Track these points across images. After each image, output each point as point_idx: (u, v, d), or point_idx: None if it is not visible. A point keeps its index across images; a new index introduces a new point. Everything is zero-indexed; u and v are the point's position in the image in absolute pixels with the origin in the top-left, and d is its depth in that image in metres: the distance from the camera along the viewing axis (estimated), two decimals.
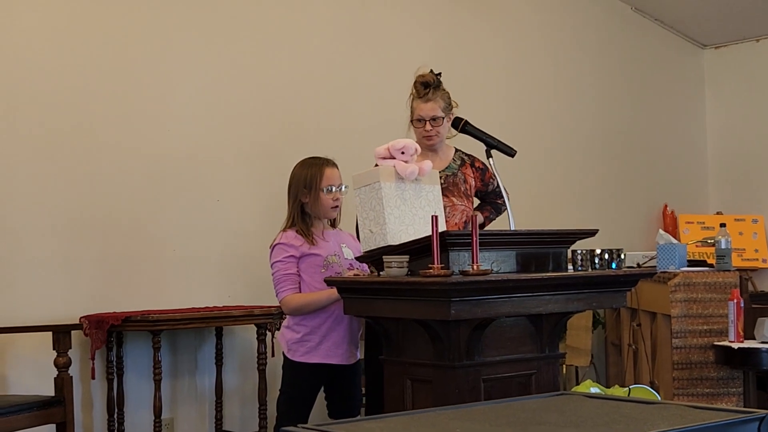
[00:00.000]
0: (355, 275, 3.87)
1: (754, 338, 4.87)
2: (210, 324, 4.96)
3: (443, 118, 4.31)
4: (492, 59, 6.65)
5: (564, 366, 6.03)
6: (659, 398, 4.60)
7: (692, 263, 5.34)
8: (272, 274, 4.04)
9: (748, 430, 2.35)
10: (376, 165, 3.75)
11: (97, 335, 4.64)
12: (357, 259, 3.90)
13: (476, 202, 4.54)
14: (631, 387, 4.44)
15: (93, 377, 4.73)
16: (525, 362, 3.54)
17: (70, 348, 4.54)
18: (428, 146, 4.32)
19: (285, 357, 4.06)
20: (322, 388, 4.13)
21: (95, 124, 4.98)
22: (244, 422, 5.34)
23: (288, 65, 5.65)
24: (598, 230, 3.75)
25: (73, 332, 4.59)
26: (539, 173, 6.73)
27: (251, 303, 5.23)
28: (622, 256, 3.66)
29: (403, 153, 3.68)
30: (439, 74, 4.34)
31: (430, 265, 3.24)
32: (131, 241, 5.05)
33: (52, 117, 4.86)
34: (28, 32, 4.83)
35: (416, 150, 3.73)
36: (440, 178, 4.10)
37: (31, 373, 4.70)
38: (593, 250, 3.61)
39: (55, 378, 4.49)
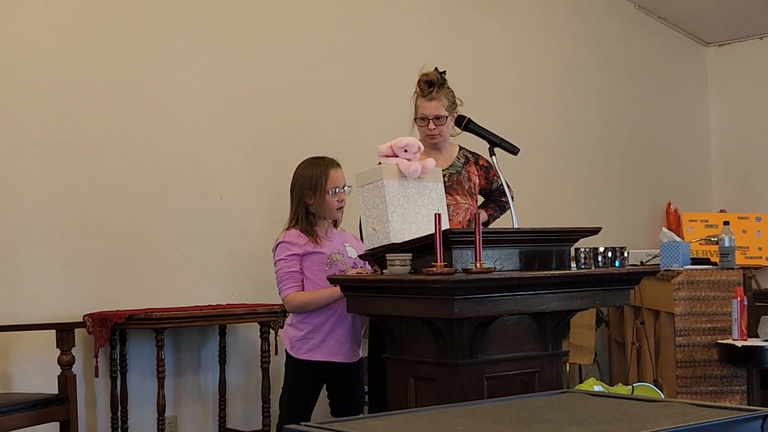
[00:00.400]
0: (358, 273, 3.87)
1: (757, 336, 4.87)
2: (213, 322, 4.97)
3: (447, 116, 4.30)
4: (496, 57, 6.65)
5: (567, 364, 6.03)
6: (662, 396, 4.60)
7: (696, 261, 5.33)
8: (275, 273, 4.05)
9: (751, 428, 2.34)
10: (379, 163, 3.75)
11: (100, 333, 4.64)
12: (360, 257, 3.90)
13: (480, 200, 4.54)
14: (634, 385, 4.44)
15: (96, 375, 4.74)
16: (528, 360, 3.54)
17: (74, 346, 4.54)
18: (432, 145, 4.32)
19: (288, 355, 4.06)
20: (325, 386, 4.13)
21: (98, 124, 4.99)
22: (247, 420, 5.34)
23: (292, 64, 5.65)
24: (601, 228, 3.74)
25: (76, 330, 4.59)
26: (542, 171, 6.73)
27: (254, 301, 5.23)
28: (626, 254, 3.66)
29: (406, 151, 3.68)
30: (444, 72, 4.33)
31: (433, 263, 3.24)
32: (135, 239, 5.05)
33: (55, 117, 4.86)
34: (32, 34, 4.83)
35: (419, 148, 3.72)
36: (444, 176, 4.09)
37: (35, 371, 4.71)
38: (596, 248, 3.60)
39: (58, 376, 4.50)
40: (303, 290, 4.00)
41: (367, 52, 5.99)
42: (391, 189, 3.60)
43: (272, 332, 5.03)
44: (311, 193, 4.02)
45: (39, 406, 4.31)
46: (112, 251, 4.98)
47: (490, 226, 4.46)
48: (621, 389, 4.29)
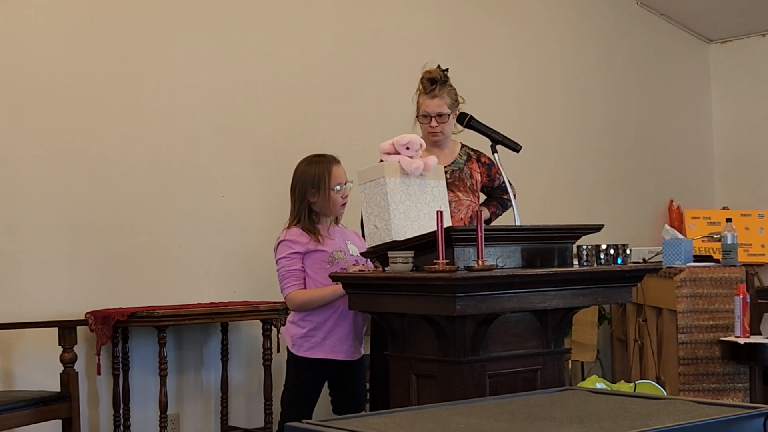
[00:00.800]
0: (360, 271, 3.87)
1: (760, 333, 4.87)
2: (215, 320, 4.97)
3: (449, 114, 4.30)
4: (498, 55, 6.64)
5: (569, 361, 6.02)
6: (665, 394, 4.60)
7: (698, 258, 5.33)
8: (277, 271, 4.05)
9: (754, 425, 2.34)
10: (381, 161, 3.75)
11: (102, 331, 4.65)
12: (362, 254, 3.89)
13: (482, 197, 4.54)
14: (636, 382, 4.44)
15: (99, 373, 4.74)
16: (530, 358, 3.54)
17: (76, 344, 4.54)
18: (434, 142, 4.31)
19: (289, 352, 4.06)
20: (327, 384, 4.13)
21: (101, 122, 4.99)
22: (249, 418, 5.34)
23: (294, 62, 5.65)
24: (603, 225, 3.74)
25: (78, 328, 4.59)
26: (545, 168, 6.72)
27: (256, 299, 5.23)
28: (628, 252, 3.65)
29: (408, 148, 3.67)
30: (446, 70, 4.33)
31: (435, 261, 3.24)
32: (137, 237, 5.05)
33: (57, 114, 4.86)
34: (35, 34, 4.83)
35: (421, 145, 3.72)
36: (446, 173, 4.09)
37: (37, 369, 4.71)
38: (599, 246, 3.60)
39: (60, 374, 4.50)
40: (305, 288, 4.00)
41: (369, 50, 5.98)
42: (393, 186, 3.60)
43: (274, 330, 5.03)
44: (315, 191, 4.02)
45: (41, 404, 4.31)
46: (114, 249, 4.98)
47: (492, 224, 4.46)
48: (623, 387, 4.29)
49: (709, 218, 7.29)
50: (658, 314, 5.43)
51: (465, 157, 4.42)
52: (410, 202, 3.64)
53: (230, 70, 5.42)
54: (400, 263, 3.41)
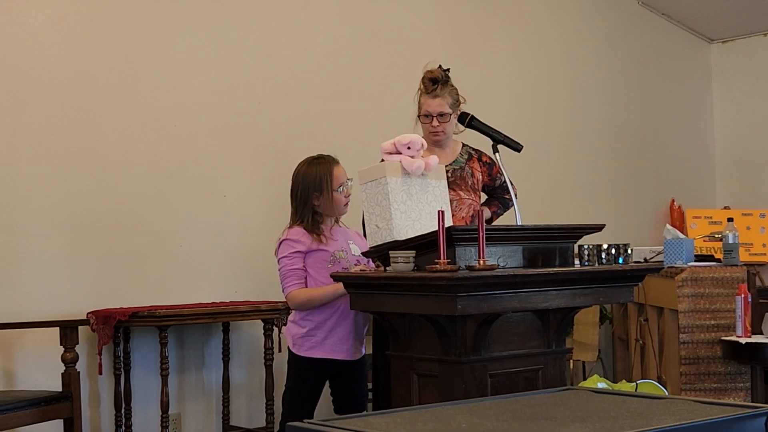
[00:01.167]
0: (361, 270, 3.87)
1: (761, 333, 4.86)
2: (217, 319, 4.97)
3: (450, 114, 4.31)
4: (499, 54, 6.64)
5: (571, 361, 6.03)
6: (666, 393, 4.60)
7: (699, 258, 5.33)
8: (279, 270, 4.05)
9: (755, 425, 2.34)
10: (382, 160, 3.75)
11: (104, 331, 4.65)
12: (363, 254, 3.90)
13: (483, 197, 4.54)
14: (638, 382, 4.44)
15: (100, 373, 4.74)
16: (532, 357, 3.54)
17: (77, 343, 4.54)
18: (435, 142, 4.32)
19: (290, 352, 4.07)
20: (328, 383, 4.13)
21: (102, 122, 4.99)
22: (251, 417, 5.35)
23: (294, 62, 5.65)
24: (604, 225, 3.74)
25: (80, 328, 4.59)
26: (546, 168, 6.72)
27: (258, 298, 5.23)
28: (629, 251, 3.65)
29: (409, 148, 3.67)
30: (448, 70, 4.34)
31: (437, 261, 3.24)
32: (138, 236, 5.06)
33: (57, 114, 4.87)
34: (35, 34, 4.83)
35: (422, 145, 3.72)
36: (447, 172, 4.09)
37: (39, 369, 4.71)
38: (600, 245, 3.60)
39: (62, 373, 4.50)
40: (306, 287, 4.00)
41: (370, 50, 5.98)
42: (395, 186, 3.60)
43: (275, 329, 5.03)
44: (318, 194, 4.02)
45: (43, 404, 4.32)
46: (115, 249, 4.98)
47: (494, 223, 4.46)
48: (625, 386, 4.29)
49: (711, 218, 7.29)
50: (659, 314, 5.43)
51: (466, 157, 4.42)
52: (411, 202, 3.64)
53: (230, 70, 5.42)
54: (402, 263, 3.41)
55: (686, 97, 7.74)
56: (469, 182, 4.37)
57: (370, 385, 4.42)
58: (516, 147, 4.30)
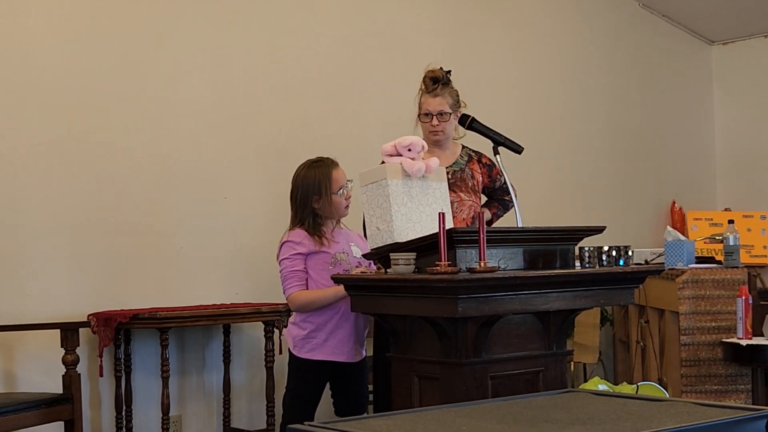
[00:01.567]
0: (362, 272, 3.87)
1: (762, 335, 4.86)
2: (218, 321, 4.97)
3: (450, 114, 4.31)
4: (500, 57, 6.64)
5: (572, 363, 6.02)
6: (667, 395, 4.60)
7: (700, 260, 5.33)
8: (280, 272, 4.05)
9: (756, 427, 2.34)
10: (383, 162, 3.75)
11: (105, 333, 4.65)
12: (364, 256, 3.90)
13: (484, 198, 4.54)
14: (639, 384, 4.44)
15: (101, 375, 4.74)
16: (532, 359, 3.53)
17: (78, 345, 4.55)
18: (434, 142, 4.32)
19: (291, 354, 4.07)
20: (328, 386, 4.13)
21: (103, 123, 4.99)
22: (251, 419, 5.35)
23: (296, 63, 5.65)
24: (605, 227, 3.74)
25: (81, 330, 4.60)
26: (547, 170, 6.72)
27: (259, 300, 5.23)
28: (630, 253, 3.65)
29: (409, 150, 3.67)
30: (449, 72, 4.34)
31: (437, 263, 3.24)
32: (139, 238, 5.06)
33: (59, 116, 4.87)
34: (38, 34, 4.83)
35: (423, 147, 3.72)
36: (447, 173, 4.09)
37: (39, 371, 4.71)
38: (601, 247, 3.60)
39: (63, 375, 4.50)
40: (307, 289, 4.00)
41: (370, 52, 5.99)
42: (395, 188, 3.60)
43: (276, 331, 5.03)
44: (318, 197, 4.02)
45: (43, 406, 4.32)
46: (116, 251, 4.98)
47: (494, 225, 4.46)
48: (625, 388, 4.29)
49: (711, 220, 7.29)
50: (660, 316, 5.43)
51: (466, 158, 4.42)
52: (412, 204, 3.64)
53: (231, 72, 5.42)
54: (402, 265, 3.41)
55: (687, 99, 7.74)
56: (470, 184, 4.37)
57: (370, 387, 4.42)
58: (517, 149, 4.30)
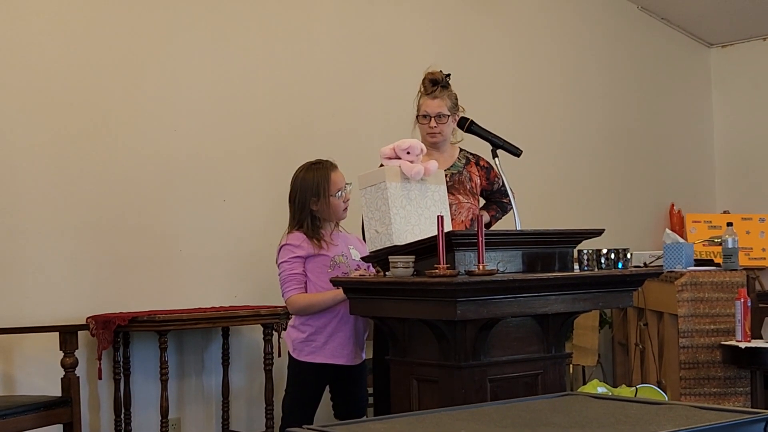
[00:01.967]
0: (361, 275, 3.87)
1: (761, 338, 4.86)
2: (217, 324, 4.97)
3: (448, 116, 4.31)
4: (499, 59, 6.64)
5: (571, 366, 6.02)
6: (666, 398, 4.60)
7: (699, 262, 5.33)
8: (279, 275, 4.05)
9: (754, 430, 2.34)
10: (382, 165, 3.75)
11: (103, 335, 4.65)
12: (363, 259, 3.90)
13: (482, 201, 4.54)
14: (638, 386, 4.44)
15: (100, 377, 4.74)
16: (531, 362, 3.54)
17: (77, 348, 4.55)
18: (431, 144, 4.32)
19: (290, 357, 4.06)
20: (328, 388, 4.13)
21: (102, 126, 4.99)
22: (250, 422, 5.34)
23: (295, 65, 5.65)
24: (604, 230, 3.74)
25: (79, 333, 4.60)
26: (546, 172, 6.72)
27: (258, 303, 5.23)
28: (629, 256, 3.65)
29: (408, 153, 3.68)
30: (449, 75, 4.34)
31: (436, 266, 3.24)
32: (138, 241, 5.06)
33: (59, 118, 4.87)
34: (38, 36, 4.84)
35: (422, 150, 3.73)
36: (446, 176, 4.09)
37: (38, 374, 4.71)
38: (599, 250, 3.60)
39: (62, 378, 4.50)
40: (306, 292, 4.00)
41: (369, 56, 5.99)
42: (394, 191, 3.60)
43: (275, 334, 5.03)
44: (316, 199, 4.02)
45: (42, 409, 4.32)
46: (115, 254, 4.98)
47: (493, 228, 4.46)
48: (624, 391, 4.29)
49: (710, 222, 7.29)
50: (659, 318, 5.43)
51: (464, 161, 4.42)
52: (411, 207, 3.64)
53: (232, 76, 5.42)
54: (401, 268, 3.41)
55: (686, 102, 7.74)
56: (468, 186, 4.37)
57: (370, 390, 4.42)
58: (515, 152, 4.30)
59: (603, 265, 3.59)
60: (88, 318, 4.72)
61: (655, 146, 7.48)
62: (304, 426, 2.32)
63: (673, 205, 7.46)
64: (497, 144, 4.26)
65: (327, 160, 4.11)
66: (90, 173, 4.94)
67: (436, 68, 4.36)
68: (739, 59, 7.77)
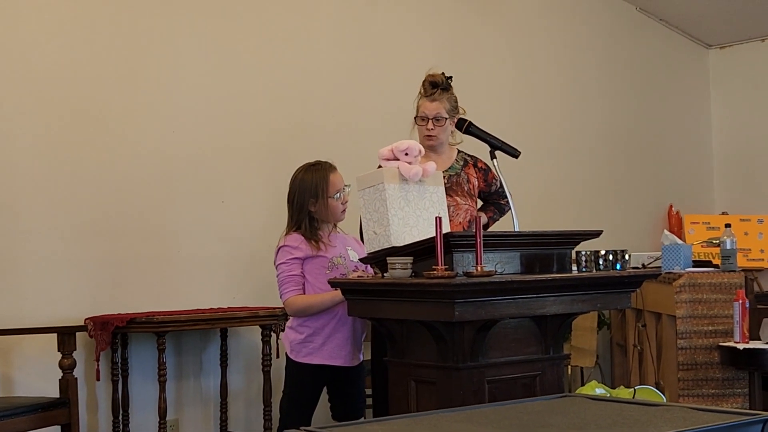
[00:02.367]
0: (359, 277, 3.87)
1: (759, 339, 4.86)
2: (215, 325, 4.97)
3: (447, 119, 4.31)
4: (498, 60, 6.65)
5: (569, 367, 6.02)
6: (664, 399, 4.60)
7: (697, 264, 5.33)
8: (277, 276, 4.05)
9: None
10: (380, 166, 3.75)
11: (102, 337, 4.65)
12: (361, 260, 3.90)
13: (480, 203, 4.54)
14: (636, 388, 4.43)
15: (98, 379, 4.74)
16: (529, 363, 3.54)
17: (75, 349, 4.55)
18: (429, 146, 4.31)
19: (288, 358, 4.06)
20: (326, 390, 4.13)
21: (101, 126, 4.99)
22: (248, 423, 5.34)
23: (294, 66, 5.65)
24: (602, 231, 3.74)
25: (78, 334, 4.59)
26: (544, 174, 6.72)
27: (256, 304, 5.23)
28: (627, 257, 3.65)
29: (406, 154, 3.68)
30: (450, 77, 4.33)
31: (434, 267, 3.24)
32: (136, 242, 5.05)
33: (58, 119, 4.87)
34: (37, 37, 4.83)
35: (420, 151, 3.73)
36: (444, 177, 4.09)
37: (36, 375, 4.71)
38: (598, 251, 3.60)
39: (60, 379, 4.50)
40: (304, 293, 4.00)
41: (369, 56, 5.99)
42: (392, 192, 3.60)
43: (274, 335, 5.03)
44: (314, 200, 4.02)
45: (40, 410, 4.31)
46: (113, 255, 4.98)
47: (491, 229, 4.46)
48: (623, 392, 4.29)
49: (708, 223, 7.29)
50: (657, 319, 5.43)
51: (462, 163, 4.42)
52: (409, 208, 3.64)
53: (231, 77, 5.42)
54: (399, 269, 3.41)
55: (684, 103, 7.74)
56: (466, 188, 4.37)
57: (368, 391, 4.42)
58: (513, 153, 4.30)
59: (601, 267, 3.59)
60: (86, 319, 4.72)
61: (653, 147, 7.48)
62: (301, 427, 2.32)
63: (671, 206, 7.46)
64: (495, 145, 4.25)
65: (326, 162, 4.11)
66: (89, 174, 4.94)
67: (437, 70, 4.35)
68: (737, 60, 7.78)
